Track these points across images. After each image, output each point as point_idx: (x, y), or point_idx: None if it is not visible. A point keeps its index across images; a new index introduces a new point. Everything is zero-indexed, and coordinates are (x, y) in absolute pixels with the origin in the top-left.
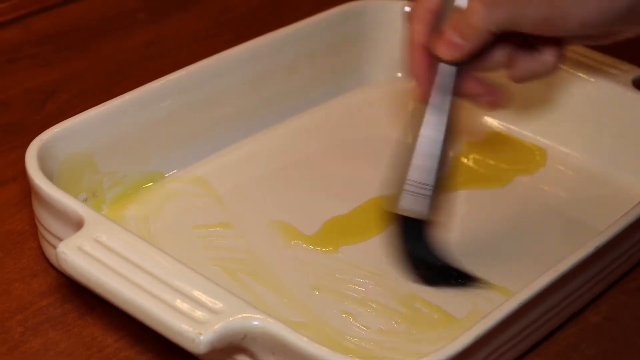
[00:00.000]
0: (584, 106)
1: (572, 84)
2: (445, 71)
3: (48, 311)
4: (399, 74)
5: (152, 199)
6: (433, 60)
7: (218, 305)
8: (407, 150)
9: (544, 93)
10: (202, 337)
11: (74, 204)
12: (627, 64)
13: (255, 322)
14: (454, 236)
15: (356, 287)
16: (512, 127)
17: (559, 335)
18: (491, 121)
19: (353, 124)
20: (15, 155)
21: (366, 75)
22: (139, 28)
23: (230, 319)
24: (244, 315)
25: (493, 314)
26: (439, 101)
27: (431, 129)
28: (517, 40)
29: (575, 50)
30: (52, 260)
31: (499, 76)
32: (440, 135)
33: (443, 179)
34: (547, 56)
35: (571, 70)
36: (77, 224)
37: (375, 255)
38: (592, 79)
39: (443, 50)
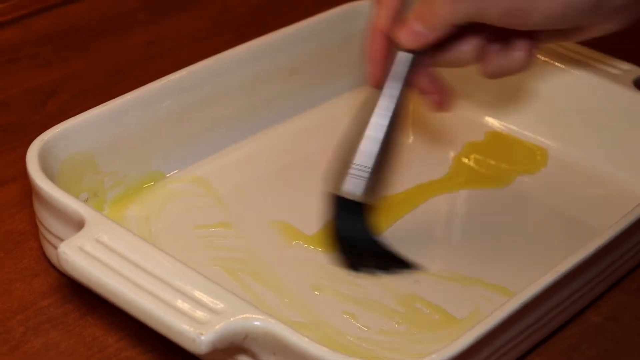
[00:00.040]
0: (585, 106)
1: (573, 84)
2: (403, 60)
3: (49, 311)
4: None
5: (153, 199)
6: (392, 47)
7: (219, 305)
8: (355, 134)
9: (544, 93)
10: (203, 338)
11: (75, 204)
12: (628, 64)
13: (256, 323)
14: (454, 236)
15: (356, 287)
16: (513, 127)
17: (560, 336)
18: (492, 121)
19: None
20: (15, 155)
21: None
22: (139, 28)
23: (231, 319)
24: (245, 315)
25: (494, 314)
26: (392, 89)
27: (381, 116)
28: (489, 35)
29: (576, 50)
30: (53, 260)
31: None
32: (388, 123)
33: (386, 166)
34: (518, 53)
35: (572, 70)
36: (78, 224)
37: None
38: (593, 79)
39: (404, 38)
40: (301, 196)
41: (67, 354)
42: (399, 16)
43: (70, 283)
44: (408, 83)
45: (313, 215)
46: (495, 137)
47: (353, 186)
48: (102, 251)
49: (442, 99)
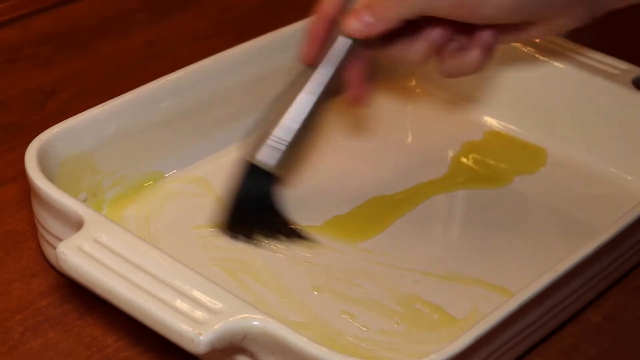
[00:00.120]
0: (584, 106)
1: (573, 84)
2: (342, 45)
3: (48, 311)
4: (400, 73)
5: (152, 199)
6: (333, 31)
7: (218, 305)
8: (279, 107)
9: (543, 92)
10: (202, 337)
11: (74, 204)
12: (627, 64)
13: (255, 323)
14: (453, 236)
15: (356, 287)
16: (512, 126)
17: (559, 335)
18: (491, 121)
19: (353, 124)
20: (15, 155)
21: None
22: (139, 28)
23: (230, 319)
24: (243, 315)
25: (493, 314)
26: (325, 70)
27: (309, 94)
28: (446, 33)
29: (575, 50)
30: (52, 260)
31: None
32: (313, 102)
33: (303, 143)
34: (475, 53)
35: (571, 70)
36: (77, 224)
37: (376, 255)
38: (592, 79)
39: (351, 26)
40: (301, 196)
41: (65, 354)
42: (345, 3)
43: (69, 283)
44: (341, 69)
45: (313, 215)
46: (494, 136)
47: (267, 157)
48: (101, 251)
49: (360, 94)
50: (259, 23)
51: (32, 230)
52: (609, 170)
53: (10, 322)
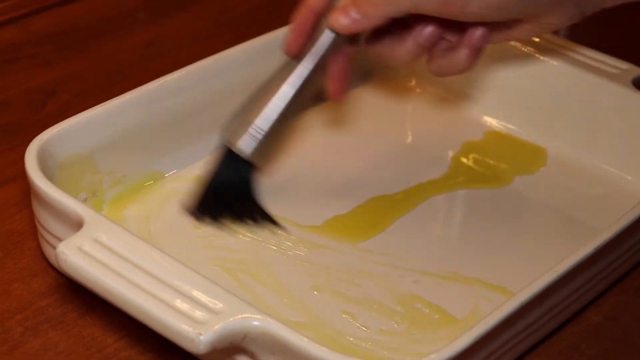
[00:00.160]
0: (584, 106)
1: (572, 83)
2: (327, 39)
3: (48, 311)
4: (400, 73)
5: (152, 199)
6: (317, 25)
7: (218, 305)
8: (261, 96)
9: (543, 92)
10: (202, 337)
11: (74, 204)
12: (627, 64)
13: (255, 323)
14: (453, 236)
15: (356, 287)
16: (512, 126)
17: (559, 335)
18: (490, 121)
19: (353, 124)
20: (15, 155)
21: (366, 75)
22: (139, 28)
23: (230, 319)
24: (244, 315)
25: (493, 314)
26: (308, 63)
27: (291, 86)
28: (435, 32)
29: (575, 49)
30: (52, 260)
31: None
32: (294, 93)
33: (281, 135)
34: (463, 53)
35: (571, 69)
36: (77, 224)
37: (376, 255)
38: (592, 79)
39: (337, 21)
40: (301, 196)
41: (65, 354)
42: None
43: (69, 283)
44: (324, 62)
45: (313, 215)
46: (494, 136)
47: (245, 145)
48: (101, 251)
49: (339, 89)
50: (259, 23)
51: (32, 230)
52: (609, 170)
53: (10, 322)
